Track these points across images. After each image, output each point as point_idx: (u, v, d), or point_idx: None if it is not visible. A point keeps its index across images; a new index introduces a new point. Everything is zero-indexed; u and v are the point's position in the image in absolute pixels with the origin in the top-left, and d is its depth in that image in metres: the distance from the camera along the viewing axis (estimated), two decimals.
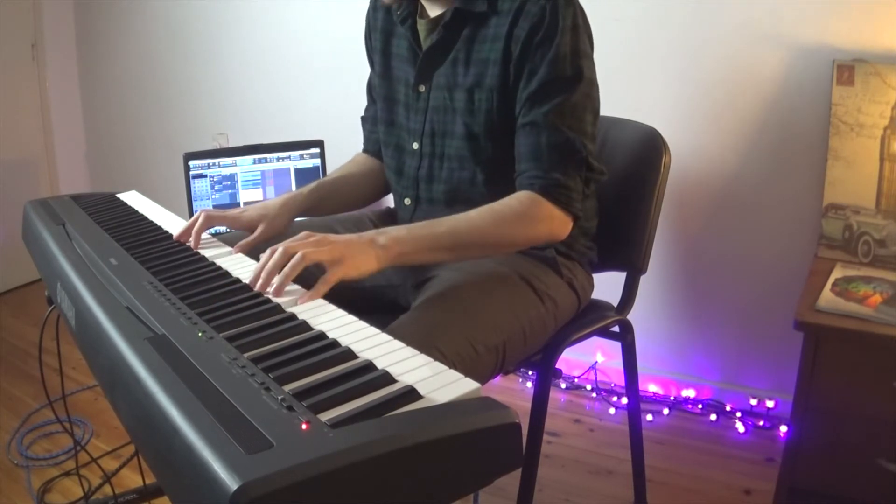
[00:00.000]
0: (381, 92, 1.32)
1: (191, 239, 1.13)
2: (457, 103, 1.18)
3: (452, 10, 1.16)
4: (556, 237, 1.15)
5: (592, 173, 1.16)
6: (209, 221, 1.15)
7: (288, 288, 0.92)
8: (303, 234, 0.98)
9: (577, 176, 1.12)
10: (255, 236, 1.18)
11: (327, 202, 1.32)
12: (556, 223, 1.12)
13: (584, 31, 1.14)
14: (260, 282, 0.92)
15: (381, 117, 1.33)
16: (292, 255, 0.93)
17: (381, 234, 1.01)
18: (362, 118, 1.45)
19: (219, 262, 1.04)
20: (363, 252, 0.97)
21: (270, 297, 0.90)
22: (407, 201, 1.29)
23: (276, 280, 0.91)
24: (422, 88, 1.23)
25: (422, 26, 1.23)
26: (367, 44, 1.37)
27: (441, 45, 1.19)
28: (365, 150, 1.45)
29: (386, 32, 1.30)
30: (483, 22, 1.15)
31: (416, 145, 1.25)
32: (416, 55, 1.23)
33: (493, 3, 1.14)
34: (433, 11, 1.21)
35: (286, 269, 0.92)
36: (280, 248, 0.94)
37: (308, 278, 0.93)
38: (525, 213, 1.10)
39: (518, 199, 1.11)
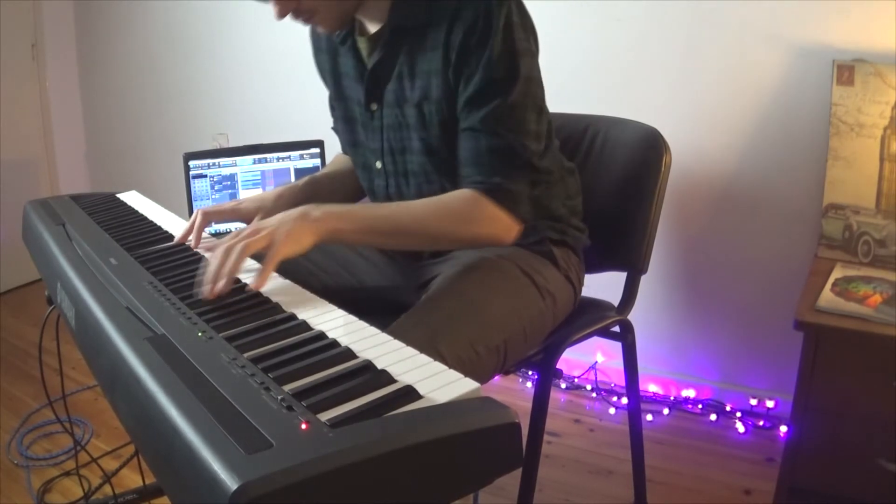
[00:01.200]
0: (340, 113, 1.29)
1: (191, 238, 1.13)
2: (409, 119, 1.16)
3: (391, 27, 1.13)
4: (500, 240, 1.11)
5: (539, 174, 1.13)
6: (207, 218, 1.15)
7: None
8: (234, 231, 0.99)
9: (520, 179, 1.09)
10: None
11: (321, 196, 1.31)
12: (500, 225, 1.09)
13: (522, 28, 1.10)
14: (205, 288, 0.90)
15: (344, 139, 1.31)
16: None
17: (316, 207, 1.01)
18: (333, 129, 1.40)
19: None
20: (298, 227, 0.97)
21: (215, 294, 0.90)
22: None
23: (220, 283, 0.90)
24: (374, 107, 1.20)
25: (363, 44, 1.19)
26: (317, 65, 1.34)
27: (384, 62, 1.16)
28: (344, 151, 1.43)
29: (331, 53, 1.27)
30: (422, 33, 1.12)
31: (379, 164, 1.23)
32: (361, 73, 1.20)
33: (429, 14, 1.10)
34: (372, 27, 1.18)
35: (227, 265, 0.92)
36: (219, 249, 0.94)
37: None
38: (467, 212, 1.08)
39: (462, 196, 1.09)
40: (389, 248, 1.11)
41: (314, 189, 1.31)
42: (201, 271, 0.95)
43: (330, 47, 1.27)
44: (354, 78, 1.22)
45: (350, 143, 1.29)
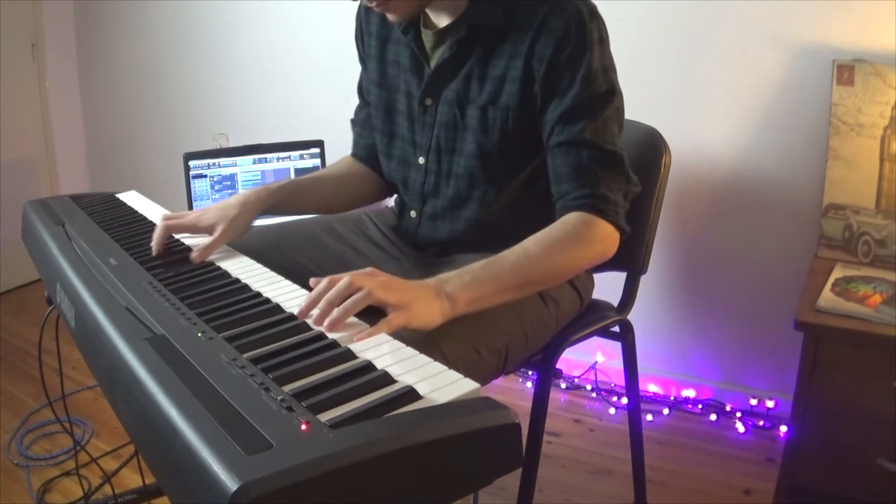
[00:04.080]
0: (379, 101, 1.27)
1: (153, 250, 1.07)
2: (468, 120, 1.14)
3: (468, 26, 1.11)
4: (608, 255, 1.10)
5: (629, 185, 1.13)
6: (167, 231, 1.09)
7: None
8: (368, 269, 0.91)
9: (619, 190, 1.09)
10: (213, 240, 1.09)
11: (295, 201, 1.25)
12: (609, 241, 1.08)
13: (608, 43, 1.12)
14: (317, 311, 0.84)
15: (380, 128, 1.28)
16: (356, 290, 0.86)
17: (445, 282, 0.94)
18: (352, 121, 1.40)
19: (218, 262, 1.04)
20: (429, 303, 0.90)
21: (324, 330, 0.81)
22: (412, 213, 1.27)
23: (335, 312, 0.83)
24: (428, 102, 1.18)
25: (427, 37, 1.17)
26: (359, 46, 1.32)
27: (453, 60, 1.14)
28: (353, 154, 1.40)
29: (381, 38, 1.25)
30: (499, 36, 1.10)
31: (422, 160, 1.21)
32: (420, 66, 1.18)
33: (510, 17, 1.08)
34: (440, 22, 1.15)
35: (349, 302, 0.84)
36: (346, 278, 0.87)
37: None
38: (582, 236, 1.05)
39: (571, 222, 1.06)
40: (517, 298, 1.05)
41: (287, 193, 1.23)
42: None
43: (381, 32, 1.25)
44: (410, 69, 1.20)
45: (388, 134, 1.26)
